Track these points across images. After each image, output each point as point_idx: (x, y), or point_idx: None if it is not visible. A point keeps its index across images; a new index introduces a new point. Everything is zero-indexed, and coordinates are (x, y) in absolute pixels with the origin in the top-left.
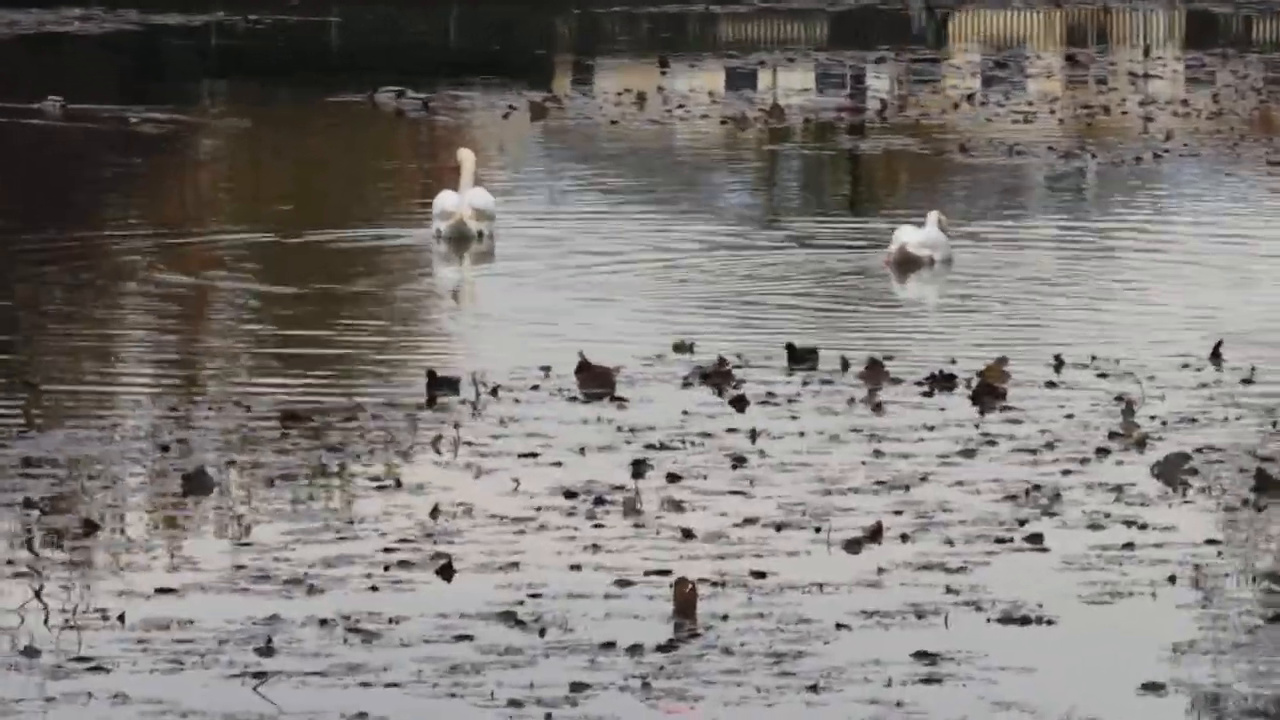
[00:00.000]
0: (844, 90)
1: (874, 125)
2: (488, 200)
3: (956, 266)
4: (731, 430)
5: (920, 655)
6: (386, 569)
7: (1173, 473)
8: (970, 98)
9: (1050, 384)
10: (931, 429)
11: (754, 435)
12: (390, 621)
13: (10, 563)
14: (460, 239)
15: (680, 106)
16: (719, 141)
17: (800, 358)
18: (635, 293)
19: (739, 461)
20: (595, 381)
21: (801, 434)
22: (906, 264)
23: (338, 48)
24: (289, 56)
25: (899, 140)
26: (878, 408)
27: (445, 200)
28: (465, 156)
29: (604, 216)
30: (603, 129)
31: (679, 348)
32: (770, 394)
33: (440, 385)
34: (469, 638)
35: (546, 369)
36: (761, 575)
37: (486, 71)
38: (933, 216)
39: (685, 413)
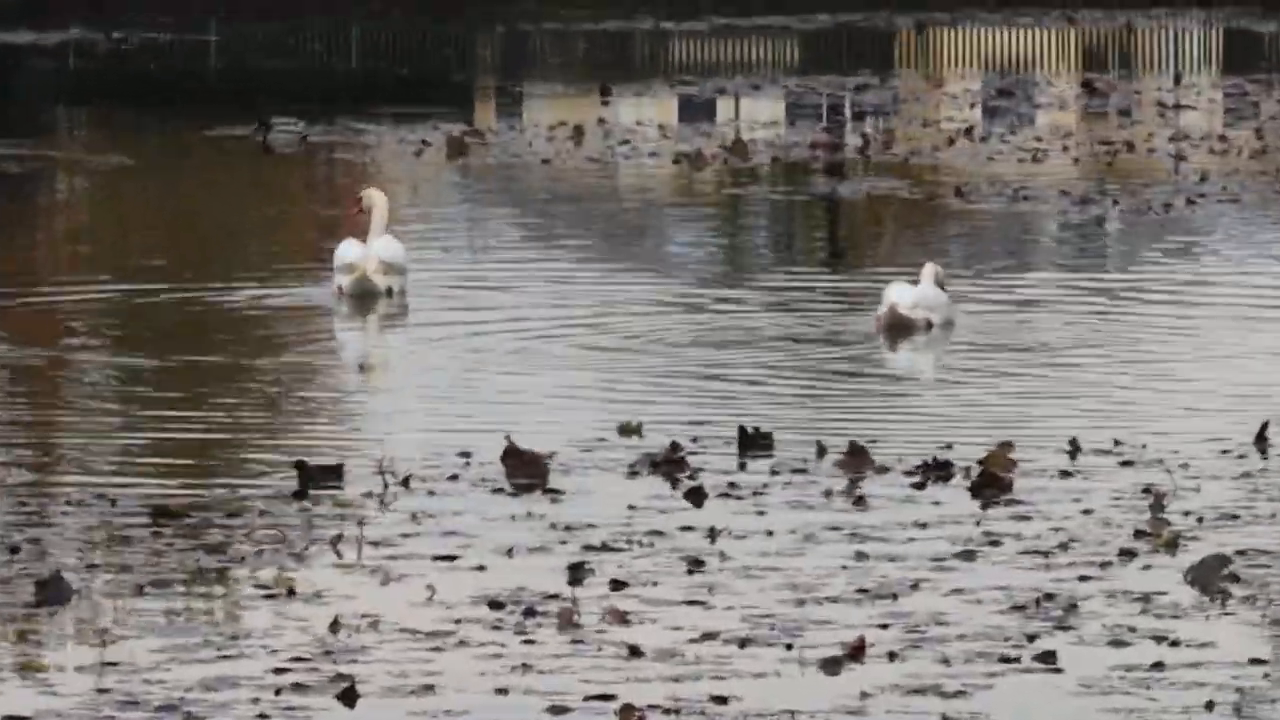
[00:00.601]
0: (819, 123)
1: (855, 165)
2: (398, 251)
3: (956, 331)
4: (687, 528)
5: None
6: (278, 693)
7: (1210, 579)
8: (969, 132)
9: (1065, 473)
10: (924, 527)
11: (713, 534)
12: None
13: None
14: (365, 296)
15: (625, 142)
16: (671, 184)
17: (754, 443)
18: (572, 363)
19: (696, 565)
20: (525, 470)
21: (770, 533)
22: (898, 328)
23: (218, 72)
24: (162, 82)
25: (885, 183)
26: (860, 501)
27: (348, 251)
28: (375, 199)
29: (535, 272)
30: (533, 169)
31: (625, 430)
32: (732, 485)
33: (315, 477)
34: None
35: (467, 455)
36: (723, 700)
37: (395, 100)
38: (929, 271)
39: (632, 507)
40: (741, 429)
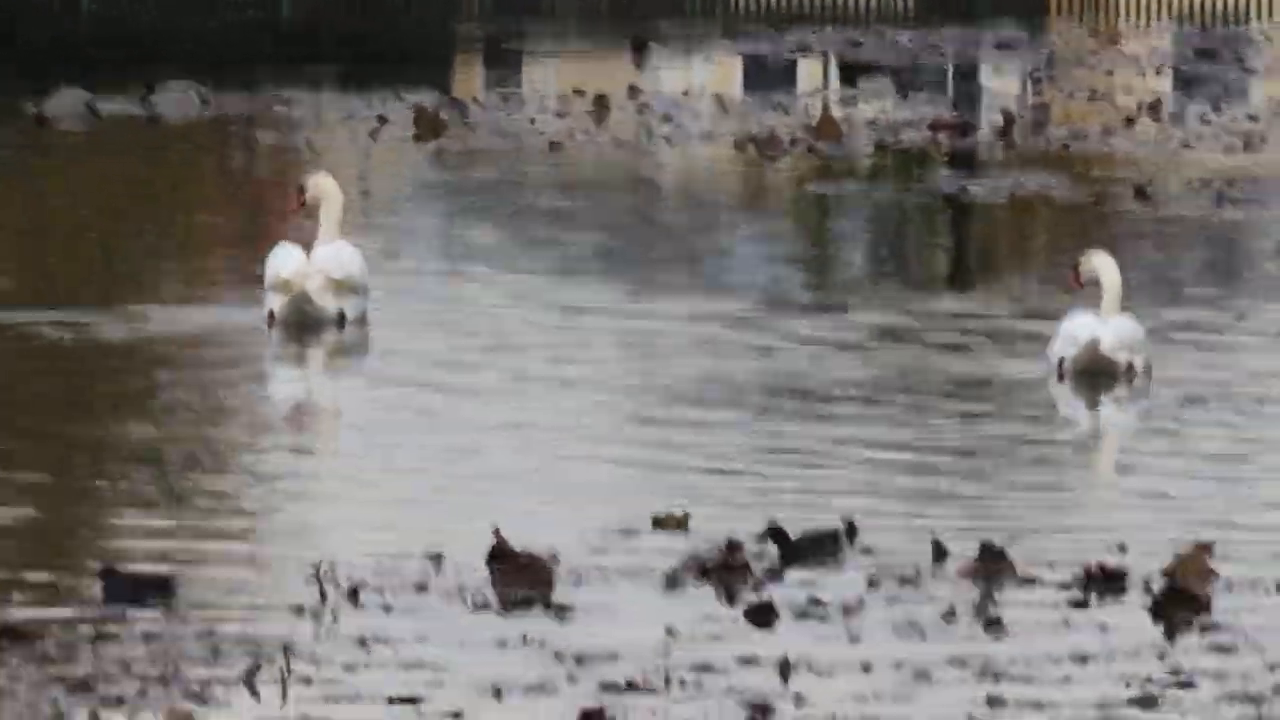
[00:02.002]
0: (943, 95)
1: (993, 153)
2: (351, 263)
3: (1135, 386)
4: (748, 661)
5: None
6: None
7: None
8: (1154, 108)
9: None
10: (1084, 661)
11: (786, 669)
12: None
13: None
14: (304, 324)
15: (667, 119)
16: (731, 178)
17: (845, 541)
18: (588, 426)
19: (761, 714)
20: (520, 577)
21: (866, 668)
22: (1094, 374)
23: (98, 28)
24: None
25: (1035, 178)
26: (994, 625)
27: (284, 262)
28: (325, 189)
29: (537, 299)
30: (536, 156)
31: (662, 521)
32: (815, 601)
33: (127, 591)
34: None
35: (437, 556)
36: None
37: (345, 60)
38: (1114, 290)
39: (670, 631)
40: (846, 525)
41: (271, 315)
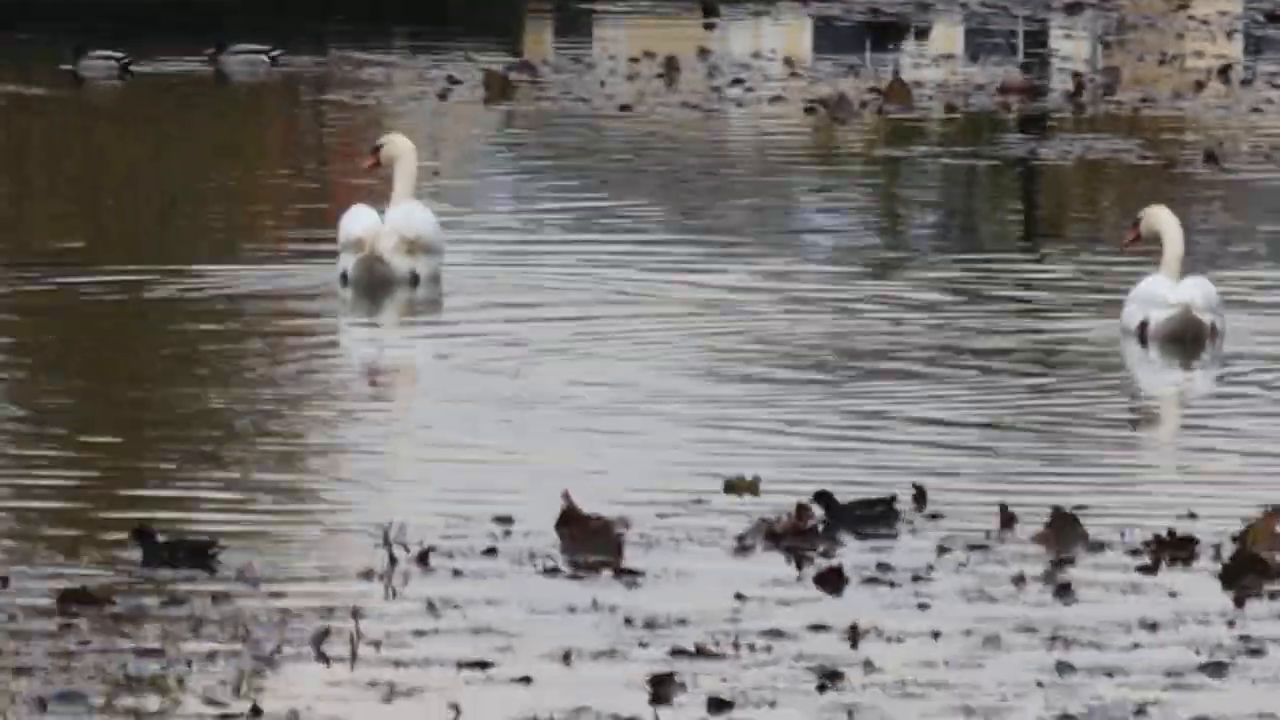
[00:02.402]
0: (1013, 57)
1: (1064, 116)
2: (425, 223)
3: (1212, 351)
4: (818, 627)
5: None
6: None
7: None
8: (1225, 72)
9: None
10: (1154, 628)
11: (855, 635)
12: None
13: None
14: (375, 284)
15: (738, 82)
16: (803, 141)
17: (917, 506)
18: (659, 389)
19: (830, 679)
20: (589, 542)
21: (936, 635)
22: (1183, 336)
23: None
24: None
25: (1105, 142)
26: (1064, 591)
27: (356, 221)
28: (399, 148)
29: (609, 262)
30: (607, 118)
31: (733, 486)
32: (883, 566)
33: (162, 554)
34: None
35: (507, 521)
36: None
37: (410, 21)
38: (1176, 245)
39: (740, 596)
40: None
41: (344, 275)
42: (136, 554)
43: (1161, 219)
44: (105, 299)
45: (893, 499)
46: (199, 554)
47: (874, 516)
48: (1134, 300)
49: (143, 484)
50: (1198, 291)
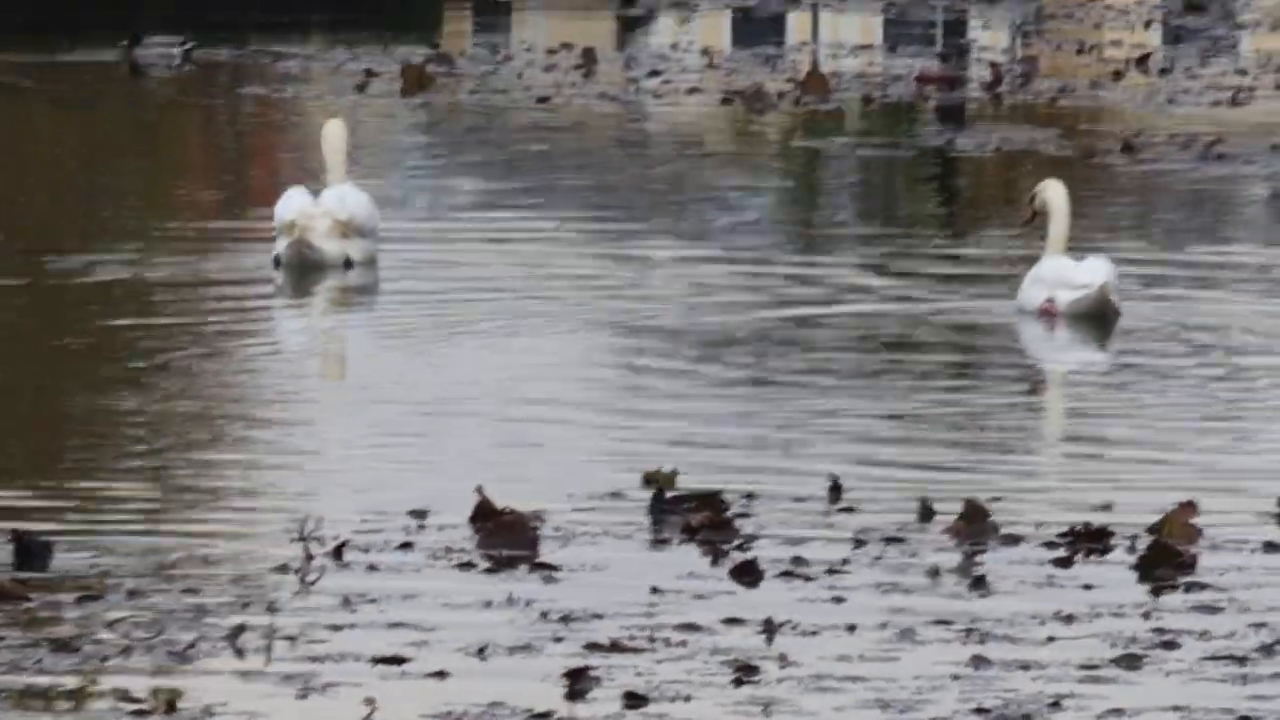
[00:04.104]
0: (932, 47)
1: (982, 107)
2: (358, 205)
3: (1118, 335)
4: (733, 621)
5: None
6: None
7: None
8: (1142, 61)
9: (1271, 545)
10: (1070, 620)
11: (771, 629)
12: None
13: None
14: (305, 267)
15: (655, 74)
16: (720, 133)
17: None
18: (576, 376)
19: (746, 673)
20: (504, 536)
21: (851, 628)
22: (1097, 316)
23: None
24: None
25: (1022, 133)
26: (979, 584)
27: (289, 204)
28: (332, 133)
29: (527, 256)
30: (524, 111)
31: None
32: (799, 560)
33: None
34: None
35: (421, 514)
36: None
37: (328, 12)
38: (1062, 218)
39: (656, 590)
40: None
41: (277, 259)
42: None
43: (1051, 194)
44: (11, 286)
45: (718, 493)
46: (37, 553)
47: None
48: (1036, 281)
49: (56, 475)
50: (1108, 271)
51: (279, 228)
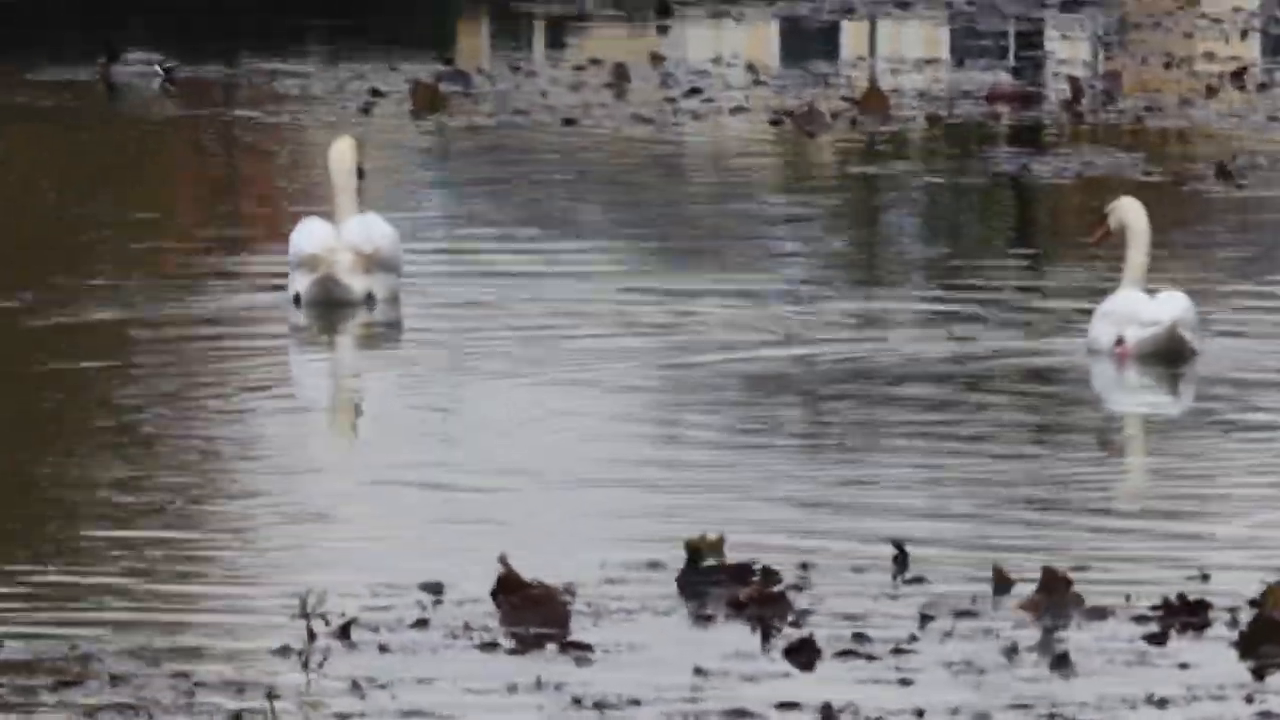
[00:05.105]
0: (1003, 61)
1: (1059, 128)
2: (384, 237)
3: (1209, 369)
4: (787, 706)
5: None
6: None
7: None
8: (1238, 76)
9: None
10: (1163, 704)
11: (829, 715)
12: None
13: None
14: (330, 305)
15: (695, 92)
16: (767, 157)
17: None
18: (607, 432)
19: None
20: (531, 612)
21: (920, 713)
22: (1168, 355)
23: None
24: None
25: (1104, 157)
26: (1061, 663)
27: (310, 235)
28: (341, 154)
29: (549, 288)
30: (549, 133)
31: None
32: (860, 637)
33: None
34: None
35: (437, 588)
36: None
37: (329, 27)
38: (1142, 238)
39: (700, 671)
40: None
41: (297, 297)
42: None
43: (1130, 213)
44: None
45: (750, 564)
46: None
47: (732, 580)
48: (1105, 316)
49: (37, 532)
50: (1181, 308)
51: (297, 262)
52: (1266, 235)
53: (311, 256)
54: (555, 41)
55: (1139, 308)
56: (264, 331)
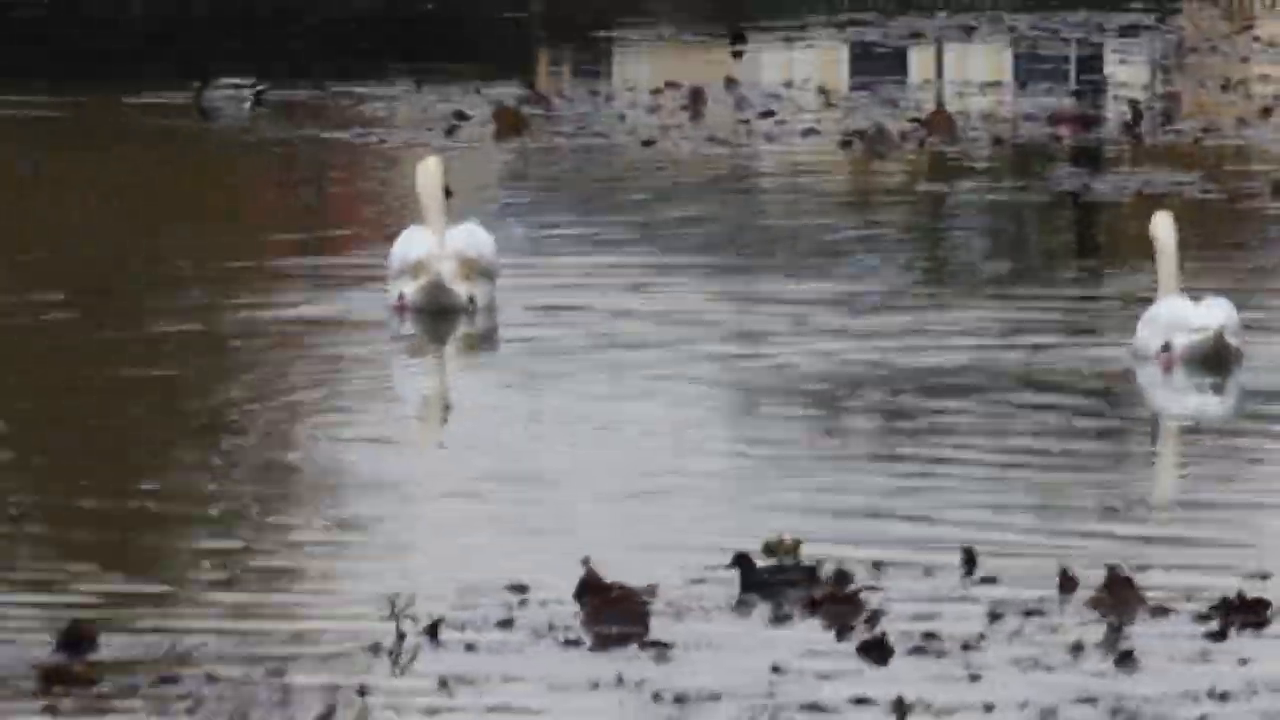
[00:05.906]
0: (1065, 84)
1: (1119, 149)
2: (485, 245)
3: (1249, 384)
4: (861, 701)
5: None
6: None
7: None
8: None
9: None
10: (1224, 698)
11: (901, 710)
12: None
13: None
14: (437, 311)
15: (768, 114)
16: (839, 177)
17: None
18: (687, 438)
19: None
20: (613, 612)
21: (989, 708)
22: (1214, 361)
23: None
24: (58, 28)
25: (1163, 175)
26: (1125, 660)
27: (413, 244)
28: (429, 172)
29: (638, 306)
30: (628, 154)
31: (771, 548)
32: (930, 635)
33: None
34: None
35: (522, 589)
36: None
37: (413, 55)
38: (1169, 252)
39: (777, 669)
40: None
41: (401, 300)
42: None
43: (1158, 229)
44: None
45: (814, 569)
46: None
47: (789, 583)
48: (1149, 323)
49: (137, 537)
50: (1226, 313)
51: (401, 269)
52: None
53: (417, 262)
54: (633, 67)
55: (1184, 314)
56: (363, 338)
